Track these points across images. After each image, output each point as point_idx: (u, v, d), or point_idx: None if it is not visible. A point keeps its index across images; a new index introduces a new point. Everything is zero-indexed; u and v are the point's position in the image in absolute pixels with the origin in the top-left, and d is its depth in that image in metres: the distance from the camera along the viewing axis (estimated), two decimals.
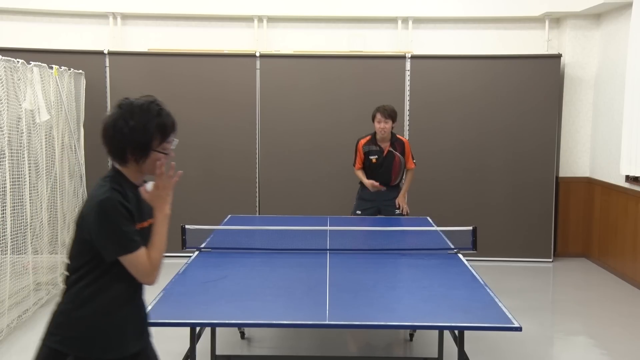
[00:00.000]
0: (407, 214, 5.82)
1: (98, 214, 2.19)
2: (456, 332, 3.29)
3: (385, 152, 5.71)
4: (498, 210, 7.17)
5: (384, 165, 5.72)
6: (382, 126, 5.60)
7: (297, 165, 7.21)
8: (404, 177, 5.91)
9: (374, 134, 5.73)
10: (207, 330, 4.12)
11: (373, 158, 5.72)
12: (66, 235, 6.17)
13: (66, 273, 2.30)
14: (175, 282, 3.50)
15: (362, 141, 5.77)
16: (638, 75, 5.92)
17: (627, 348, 4.77)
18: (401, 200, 5.80)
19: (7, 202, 4.78)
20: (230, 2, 7.37)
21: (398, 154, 5.75)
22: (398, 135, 5.83)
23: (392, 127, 5.67)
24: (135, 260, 2.20)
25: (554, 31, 7.46)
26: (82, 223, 2.24)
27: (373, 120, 5.67)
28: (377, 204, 5.80)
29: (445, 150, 7.17)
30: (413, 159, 5.85)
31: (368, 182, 5.71)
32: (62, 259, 6.04)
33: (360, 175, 5.81)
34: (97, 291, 2.23)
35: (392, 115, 5.62)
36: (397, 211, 5.83)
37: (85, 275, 2.23)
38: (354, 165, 5.85)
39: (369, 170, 5.76)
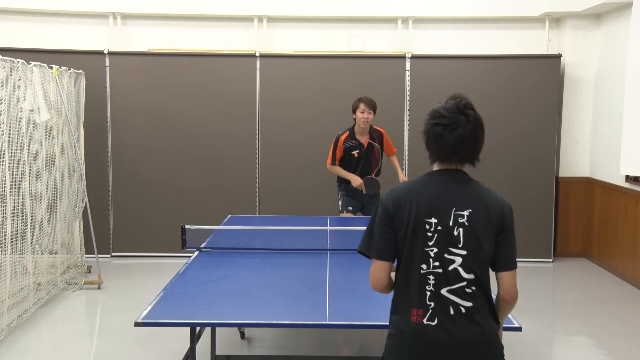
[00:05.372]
0: None
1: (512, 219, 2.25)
2: None
3: (366, 145, 5.77)
4: None
5: (365, 158, 5.78)
6: (366, 116, 5.65)
7: (297, 165, 7.20)
8: (382, 167, 5.95)
9: (352, 128, 5.78)
10: (207, 330, 4.12)
11: (355, 153, 5.76)
12: (66, 235, 6.18)
13: (471, 288, 2.18)
14: (175, 282, 3.50)
15: (343, 137, 5.78)
16: (638, 75, 5.92)
17: (627, 348, 4.76)
18: (402, 177, 5.86)
19: (7, 202, 4.78)
20: (230, 2, 7.38)
21: (377, 145, 5.82)
22: (375, 126, 5.87)
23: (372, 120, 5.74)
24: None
25: (554, 31, 7.46)
26: (504, 228, 2.20)
27: (354, 111, 5.70)
28: (362, 202, 5.86)
29: None
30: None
31: (356, 180, 5.68)
32: (62, 259, 6.05)
33: (341, 171, 5.79)
34: None
35: (374, 106, 5.70)
36: None
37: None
38: (330, 162, 5.82)
39: (350, 165, 5.78)
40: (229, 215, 5.74)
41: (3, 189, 4.76)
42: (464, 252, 2.16)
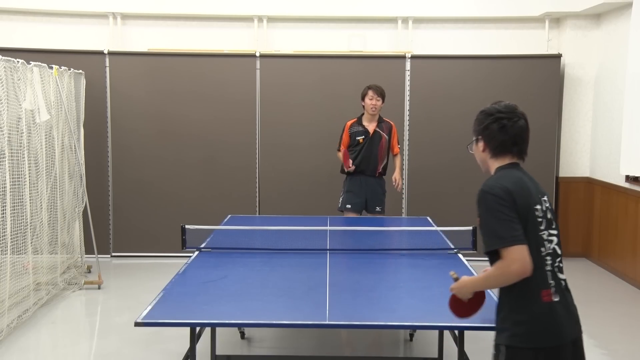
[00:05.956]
0: (401, 189, 6.08)
1: None
2: (456, 332, 3.29)
3: (372, 132, 5.85)
4: None
5: (370, 145, 5.84)
6: (374, 103, 5.77)
7: (297, 165, 7.21)
8: (388, 165, 6.01)
9: (360, 116, 5.91)
10: (207, 330, 4.12)
11: (360, 138, 5.85)
12: (66, 235, 6.18)
13: (562, 262, 2.47)
14: (175, 282, 3.50)
15: (349, 123, 5.94)
16: (638, 75, 5.92)
17: (627, 348, 4.77)
18: (397, 175, 5.94)
19: (7, 202, 4.78)
20: (230, 2, 7.38)
21: (385, 134, 5.89)
22: (385, 118, 5.97)
23: (380, 108, 5.85)
24: None
25: (554, 31, 7.46)
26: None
27: (363, 98, 5.84)
28: (365, 197, 5.91)
29: (445, 150, 7.17)
30: (398, 143, 6.06)
31: (346, 162, 5.83)
32: (62, 259, 6.04)
33: (341, 156, 5.95)
34: None
35: (383, 94, 5.82)
36: (378, 208, 5.95)
37: None
38: (338, 149, 6.01)
39: (355, 151, 5.87)
40: (229, 215, 5.74)
41: (3, 189, 4.76)
42: (556, 232, 2.46)
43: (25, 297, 5.21)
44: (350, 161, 5.81)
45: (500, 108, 2.53)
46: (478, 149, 2.58)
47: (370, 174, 5.86)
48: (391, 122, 5.99)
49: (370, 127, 5.85)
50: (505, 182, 2.40)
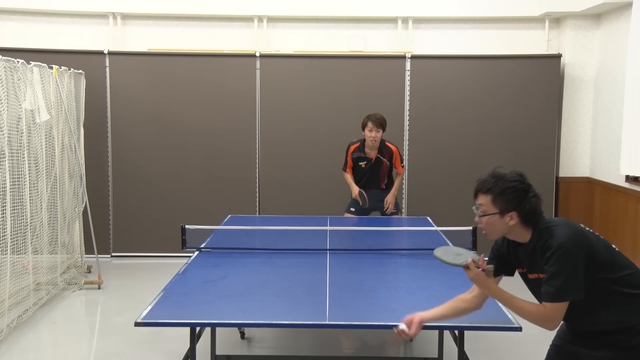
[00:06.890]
0: (389, 213, 5.89)
1: None
2: (456, 332, 3.29)
3: (374, 159, 5.81)
4: None
5: (372, 170, 5.84)
6: (374, 135, 5.65)
7: (297, 165, 7.21)
8: (393, 179, 5.99)
9: (363, 141, 5.80)
10: (207, 330, 4.12)
11: (362, 164, 5.84)
12: (66, 235, 6.18)
13: None
14: (175, 282, 3.50)
15: (352, 147, 5.86)
16: (638, 75, 5.92)
17: None
18: (390, 198, 5.87)
19: (7, 202, 4.78)
20: (230, 2, 7.38)
21: (386, 160, 5.83)
22: (387, 143, 5.83)
23: (381, 138, 5.73)
24: None
25: (554, 31, 7.46)
26: None
27: (363, 128, 5.72)
28: (370, 205, 5.88)
29: (445, 150, 7.17)
30: (402, 163, 5.96)
31: (355, 190, 5.81)
32: (62, 259, 6.05)
33: (349, 180, 5.92)
34: None
35: (383, 124, 5.67)
36: (393, 209, 5.92)
37: None
38: (344, 169, 5.94)
39: (359, 174, 5.87)
40: (229, 215, 5.74)
41: (3, 189, 4.76)
42: None
43: (25, 297, 5.21)
44: (366, 200, 5.78)
45: (526, 180, 2.54)
46: (503, 221, 2.53)
47: (374, 188, 5.89)
48: (392, 148, 5.82)
49: (372, 154, 5.79)
50: (582, 233, 2.45)
